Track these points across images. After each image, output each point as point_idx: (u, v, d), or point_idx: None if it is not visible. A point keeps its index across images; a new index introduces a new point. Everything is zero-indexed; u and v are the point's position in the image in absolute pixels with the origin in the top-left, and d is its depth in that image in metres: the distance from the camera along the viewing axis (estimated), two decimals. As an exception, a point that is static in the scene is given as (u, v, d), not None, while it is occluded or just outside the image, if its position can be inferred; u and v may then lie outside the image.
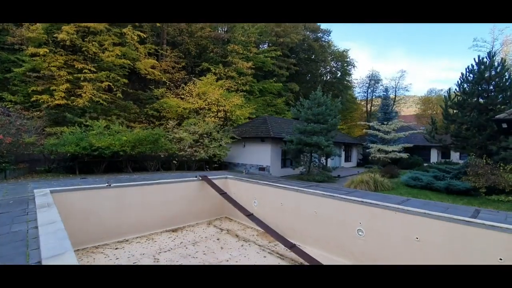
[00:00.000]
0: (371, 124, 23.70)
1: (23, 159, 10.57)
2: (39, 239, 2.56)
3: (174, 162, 13.22)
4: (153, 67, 17.94)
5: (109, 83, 14.88)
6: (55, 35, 13.61)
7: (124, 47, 15.85)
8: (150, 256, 4.99)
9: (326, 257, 4.91)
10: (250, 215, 6.33)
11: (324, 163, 16.06)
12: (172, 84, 18.71)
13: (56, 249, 2.21)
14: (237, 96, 18.80)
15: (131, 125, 15.21)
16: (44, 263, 2.03)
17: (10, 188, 5.97)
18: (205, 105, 17.21)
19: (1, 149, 8.58)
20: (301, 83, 30.21)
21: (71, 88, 13.77)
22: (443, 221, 3.82)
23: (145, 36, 17.50)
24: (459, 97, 13.52)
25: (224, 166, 16.97)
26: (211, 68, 21.11)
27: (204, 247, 5.53)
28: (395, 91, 41.22)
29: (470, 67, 13.16)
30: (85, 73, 13.94)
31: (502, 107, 11.83)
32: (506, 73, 12.38)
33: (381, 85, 39.82)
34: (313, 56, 31.64)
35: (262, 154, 16.35)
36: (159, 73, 18.14)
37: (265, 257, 5.12)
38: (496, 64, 12.56)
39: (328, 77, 35.45)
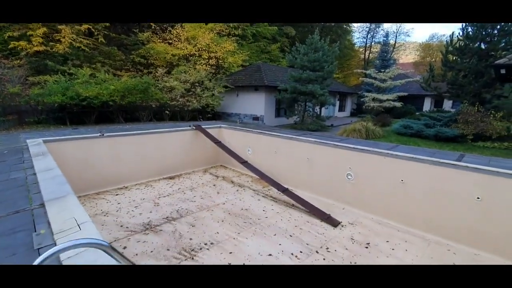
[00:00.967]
0: (367, 72, 23.07)
1: (10, 111, 10.27)
2: (39, 184, 2.62)
3: (167, 112, 13.01)
4: (135, 8, 16.23)
5: (89, 26, 13.65)
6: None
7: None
8: (150, 200, 5.26)
9: (316, 199, 5.26)
10: (244, 163, 6.53)
11: (318, 113, 16.06)
12: (158, 28, 17.26)
13: (57, 193, 2.28)
14: (229, 42, 17.65)
15: (117, 74, 14.46)
16: (46, 206, 2.11)
17: (3, 139, 5.91)
18: (195, 51, 16.22)
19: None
20: (297, 27, 28.23)
21: (49, 32, 12.68)
22: (427, 164, 4.01)
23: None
24: (461, 42, 12.99)
25: (217, 116, 16.85)
26: (200, 9, 19.24)
27: (201, 192, 5.82)
28: (396, 36, 39.19)
29: (478, 8, 12.31)
30: (60, 14, 12.62)
31: (503, 52, 11.48)
32: (514, 15, 11.68)
33: (381, 29, 37.62)
34: (311, -5, 28.86)
35: (256, 104, 16.14)
36: (143, 15, 16.51)
37: (259, 200, 5.45)
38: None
39: (327, 20, 32.99)
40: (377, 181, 4.62)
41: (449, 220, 3.84)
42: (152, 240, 3.80)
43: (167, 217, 4.54)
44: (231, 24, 19.91)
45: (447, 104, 24.02)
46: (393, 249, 3.69)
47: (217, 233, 4.05)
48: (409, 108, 22.38)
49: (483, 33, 12.32)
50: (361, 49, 40.26)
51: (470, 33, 12.66)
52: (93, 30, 14.02)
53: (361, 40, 39.89)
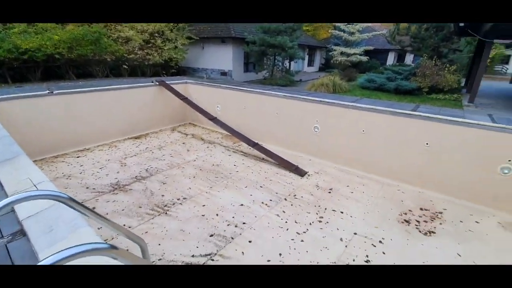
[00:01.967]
0: (337, 24, 22.63)
1: None
2: (-19, 147, 2.35)
3: (125, 67, 11.90)
4: None
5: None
6: None
7: None
8: (117, 161, 5.08)
9: (285, 152, 5.48)
10: (213, 119, 6.43)
11: (288, 67, 15.82)
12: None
13: (5, 154, 2.08)
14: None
15: (61, 21, 12.50)
16: (-5, 169, 1.93)
17: None
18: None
19: None
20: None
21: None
22: (386, 114, 4.30)
23: None
24: (426, -7, 13.03)
25: (182, 71, 15.84)
26: None
27: (171, 150, 5.72)
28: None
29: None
30: None
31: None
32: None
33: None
34: None
35: (223, 57, 15.33)
36: None
37: (230, 155, 5.53)
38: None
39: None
40: (341, 132, 4.89)
41: (401, 165, 4.30)
42: (122, 199, 3.77)
43: (135, 177, 4.47)
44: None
45: (409, 58, 24.99)
46: (352, 192, 4.10)
47: (189, 188, 4.12)
48: (374, 63, 22.94)
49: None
50: None
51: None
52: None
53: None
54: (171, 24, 13.80)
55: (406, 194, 4.07)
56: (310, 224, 3.31)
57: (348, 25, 21.52)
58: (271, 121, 5.91)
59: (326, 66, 25.45)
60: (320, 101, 5.11)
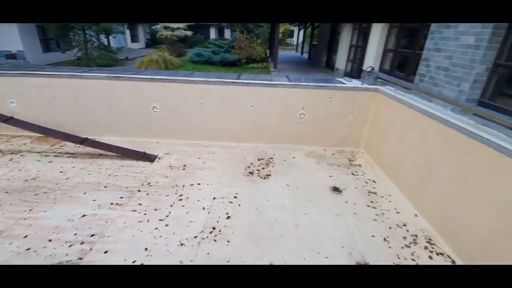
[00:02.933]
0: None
1: None
2: None
3: None
4: None
5: None
6: None
7: None
8: None
9: (126, 141, 4.90)
10: (9, 120, 4.62)
11: (106, 43, 13.49)
12: None
13: None
14: None
15: None
16: None
17: None
18: None
19: None
20: None
21: None
22: (217, 85, 4.72)
23: None
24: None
25: None
26: None
27: None
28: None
29: None
30: None
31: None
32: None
33: None
34: None
35: (5, 32, 10.87)
36: None
37: (51, 162, 4.30)
38: None
39: None
40: (181, 107, 4.91)
41: (237, 127, 4.97)
42: None
43: None
44: None
45: (227, 33, 27.82)
46: (204, 163, 4.36)
47: (-8, 223, 2.91)
48: (199, 37, 23.90)
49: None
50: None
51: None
52: None
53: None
54: None
55: (246, 151, 4.80)
56: (171, 206, 3.27)
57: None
58: (97, 108, 5.00)
59: (154, 42, 23.90)
60: (154, 78, 4.80)
